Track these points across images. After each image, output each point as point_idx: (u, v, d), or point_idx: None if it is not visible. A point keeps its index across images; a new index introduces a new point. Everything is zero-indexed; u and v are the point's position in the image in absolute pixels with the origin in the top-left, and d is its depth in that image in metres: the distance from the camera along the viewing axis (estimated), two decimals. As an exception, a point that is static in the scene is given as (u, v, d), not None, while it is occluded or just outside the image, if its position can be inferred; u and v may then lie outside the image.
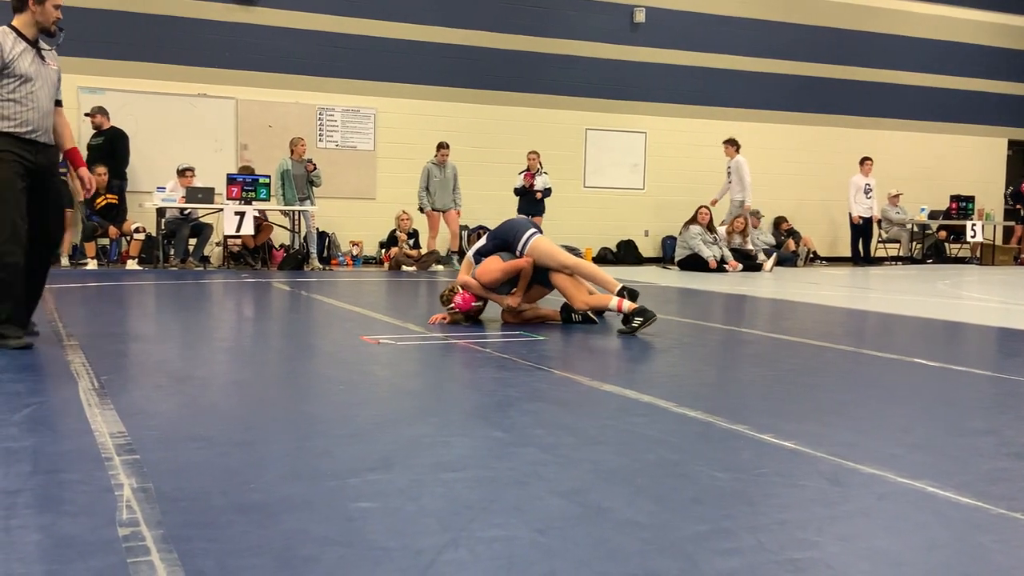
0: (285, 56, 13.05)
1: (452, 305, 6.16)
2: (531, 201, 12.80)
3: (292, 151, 12.08)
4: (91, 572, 1.91)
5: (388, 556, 2.03)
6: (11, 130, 4.77)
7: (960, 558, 2.11)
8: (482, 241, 6.50)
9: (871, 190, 15.15)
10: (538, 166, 12.90)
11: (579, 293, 6.17)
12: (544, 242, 6.24)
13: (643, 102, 15.16)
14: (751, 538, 2.19)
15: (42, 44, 4.94)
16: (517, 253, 6.21)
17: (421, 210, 12.64)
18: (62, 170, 10.98)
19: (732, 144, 13.52)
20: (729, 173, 13.62)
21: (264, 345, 5.62)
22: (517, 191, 12.91)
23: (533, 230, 6.30)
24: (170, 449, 2.89)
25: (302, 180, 12.06)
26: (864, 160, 15.25)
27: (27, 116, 4.82)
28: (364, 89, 13.52)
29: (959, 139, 17.57)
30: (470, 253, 6.54)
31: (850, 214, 15.21)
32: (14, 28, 4.85)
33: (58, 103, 5.09)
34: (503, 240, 6.33)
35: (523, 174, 12.90)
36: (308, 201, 12.15)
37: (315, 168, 12.12)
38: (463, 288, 6.19)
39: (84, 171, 5.27)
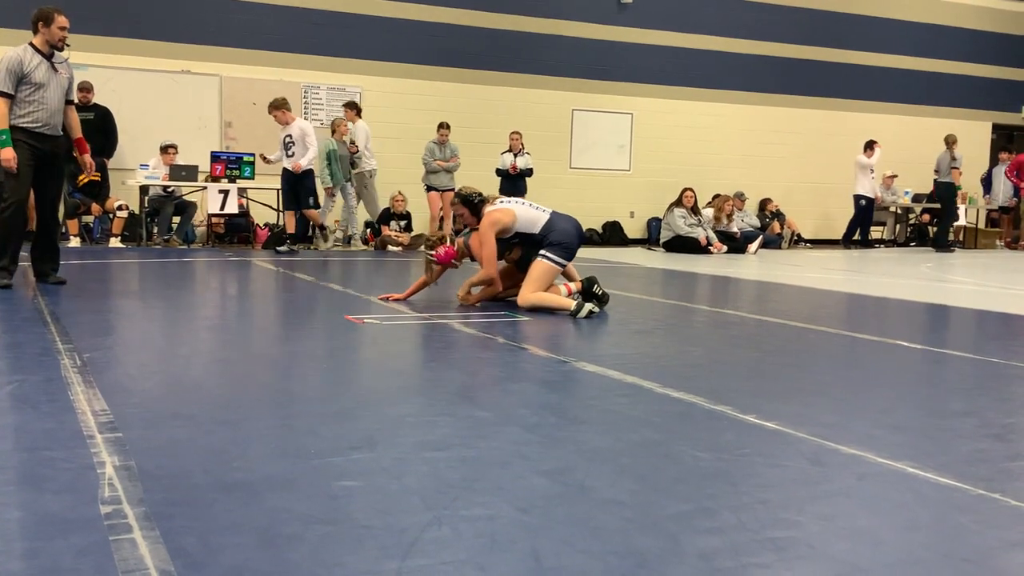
0: (270, 33, 12.92)
1: (432, 253, 6.18)
2: (513, 182, 12.75)
3: (334, 131, 11.80)
4: (73, 549, 1.90)
5: (371, 534, 2.03)
6: (25, 125, 6.27)
7: (939, 538, 2.13)
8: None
9: (872, 172, 15.11)
10: (520, 146, 12.85)
11: (530, 288, 5.96)
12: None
13: (630, 83, 15.11)
14: (732, 517, 2.20)
15: (56, 57, 6.40)
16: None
17: (429, 189, 12.55)
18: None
19: (352, 108, 12.58)
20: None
21: (248, 324, 5.60)
22: (499, 172, 12.84)
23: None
24: (153, 427, 2.88)
25: (346, 161, 11.87)
26: (872, 143, 15.09)
27: (38, 115, 6.31)
28: (349, 67, 13.42)
29: (944, 122, 17.57)
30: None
31: (862, 195, 14.96)
32: (32, 45, 6.33)
33: (69, 102, 6.55)
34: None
35: (506, 155, 12.84)
36: (349, 182, 12.03)
37: (358, 150, 12.00)
38: (451, 243, 6.17)
39: (87, 157, 6.86)
